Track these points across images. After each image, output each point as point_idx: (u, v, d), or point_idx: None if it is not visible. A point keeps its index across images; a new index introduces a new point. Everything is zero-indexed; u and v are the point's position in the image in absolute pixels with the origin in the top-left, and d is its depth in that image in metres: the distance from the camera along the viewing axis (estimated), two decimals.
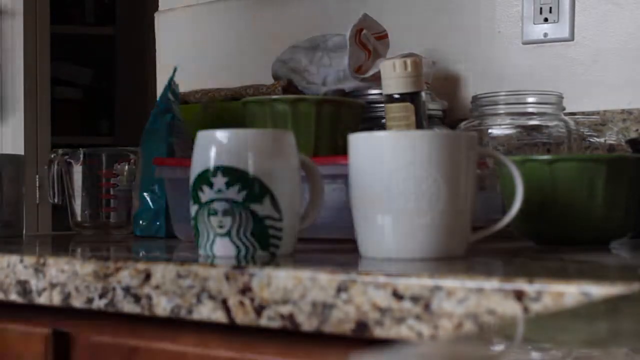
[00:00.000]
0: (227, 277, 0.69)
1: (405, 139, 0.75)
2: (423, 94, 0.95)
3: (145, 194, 1.14)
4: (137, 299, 0.74)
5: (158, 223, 1.13)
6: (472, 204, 0.76)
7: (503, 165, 0.81)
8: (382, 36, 1.20)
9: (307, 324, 0.65)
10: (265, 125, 1.04)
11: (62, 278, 0.79)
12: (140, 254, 0.91)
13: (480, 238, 0.77)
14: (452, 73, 1.34)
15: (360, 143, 0.76)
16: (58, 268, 0.79)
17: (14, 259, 0.83)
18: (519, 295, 0.57)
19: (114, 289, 0.75)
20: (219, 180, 0.77)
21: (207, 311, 0.70)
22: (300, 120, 1.02)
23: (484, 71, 1.31)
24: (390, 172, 0.74)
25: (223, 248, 0.78)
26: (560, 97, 1.11)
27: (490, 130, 1.09)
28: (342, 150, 0.79)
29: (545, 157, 0.88)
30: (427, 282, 0.60)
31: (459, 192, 0.74)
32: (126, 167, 1.25)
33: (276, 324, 0.67)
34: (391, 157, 0.74)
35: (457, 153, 0.74)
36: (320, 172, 0.83)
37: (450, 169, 0.73)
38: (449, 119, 1.25)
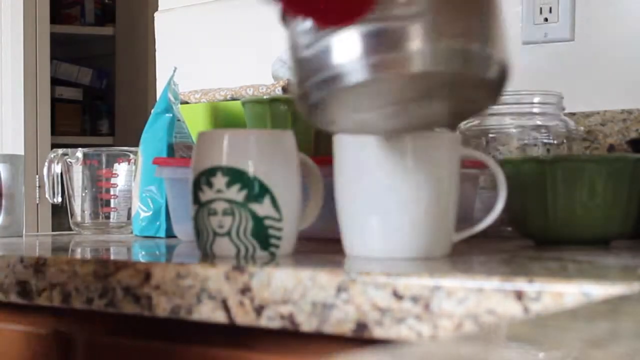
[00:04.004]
0: (227, 277, 0.69)
1: (389, 139, 0.75)
2: None
3: (145, 194, 1.14)
4: (137, 299, 0.74)
5: (158, 223, 1.13)
6: (455, 204, 0.76)
7: (486, 166, 0.80)
8: None
9: (307, 324, 0.65)
10: (265, 125, 1.03)
11: (62, 278, 0.79)
12: (140, 254, 0.91)
13: (464, 238, 0.78)
14: None
15: (344, 144, 0.77)
16: (58, 268, 0.79)
17: (14, 259, 0.82)
18: (519, 295, 0.57)
19: (114, 289, 0.75)
20: (219, 180, 0.77)
21: (207, 311, 0.70)
22: (300, 120, 1.02)
23: None
24: (374, 172, 0.74)
25: (223, 248, 0.78)
26: (560, 97, 1.11)
27: (490, 130, 1.09)
28: None
29: (546, 157, 0.88)
30: (427, 282, 0.60)
31: (441, 192, 0.74)
32: (126, 167, 1.25)
33: (276, 324, 0.67)
34: (375, 157, 0.74)
35: (439, 153, 0.75)
36: (320, 172, 0.83)
37: (433, 169, 0.74)
38: None
